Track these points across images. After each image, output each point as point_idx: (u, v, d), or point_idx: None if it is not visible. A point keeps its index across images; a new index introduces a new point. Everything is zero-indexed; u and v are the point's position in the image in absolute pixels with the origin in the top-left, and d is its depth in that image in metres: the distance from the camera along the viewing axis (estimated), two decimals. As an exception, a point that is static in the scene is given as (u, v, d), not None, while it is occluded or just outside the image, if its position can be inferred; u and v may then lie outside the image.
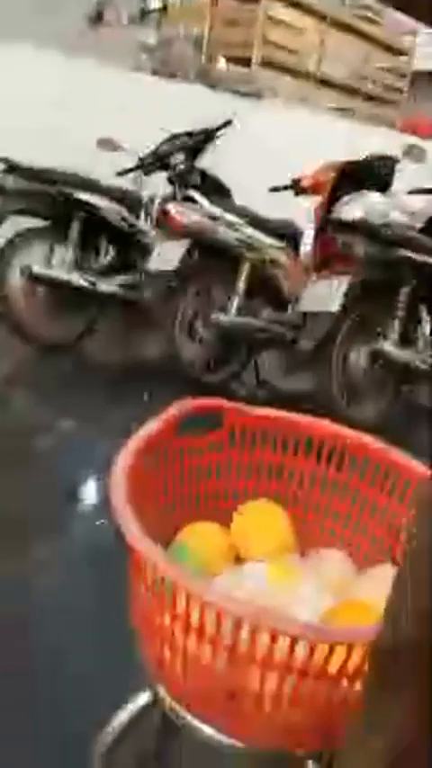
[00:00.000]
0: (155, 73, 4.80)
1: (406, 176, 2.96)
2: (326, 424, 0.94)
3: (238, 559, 0.90)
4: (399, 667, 0.32)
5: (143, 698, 0.79)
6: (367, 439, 0.92)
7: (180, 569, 0.57)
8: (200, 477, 0.94)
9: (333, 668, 0.56)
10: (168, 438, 0.86)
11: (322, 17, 4.82)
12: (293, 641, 0.55)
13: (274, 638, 0.55)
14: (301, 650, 0.55)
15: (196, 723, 0.67)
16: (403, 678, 0.32)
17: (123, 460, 0.72)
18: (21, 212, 2.66)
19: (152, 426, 0.81)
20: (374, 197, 2.77)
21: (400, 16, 5.39)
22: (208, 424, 0.94)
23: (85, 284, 2.74)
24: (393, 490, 0.88)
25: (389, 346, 2.49)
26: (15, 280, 2.67)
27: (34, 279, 2.64)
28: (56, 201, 2.70)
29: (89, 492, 1.97)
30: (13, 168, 2.61)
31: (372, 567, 0.87)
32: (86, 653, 1.31)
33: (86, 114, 3.32)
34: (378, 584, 0.66)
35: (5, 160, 2.61)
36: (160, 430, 0.82)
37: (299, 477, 0.96)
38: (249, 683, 0.59)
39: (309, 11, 4.71)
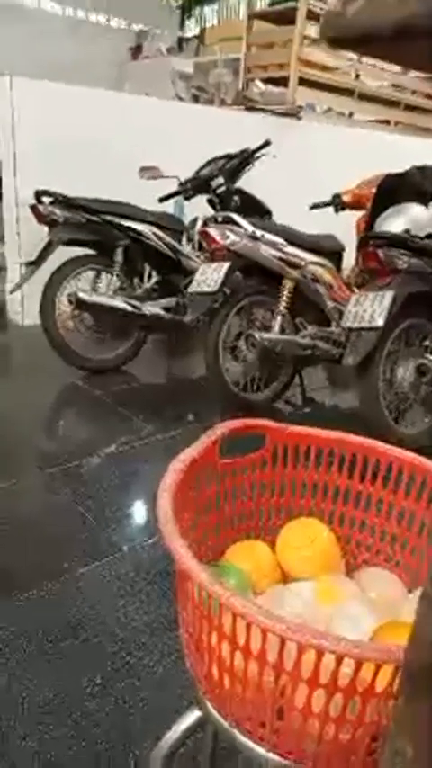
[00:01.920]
0: (194, 99, 4.92)
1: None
2: (369, 442, 0.94)
3: (284, 577, 0.91)
4: (427, 685, 0.32)
5: (193, 716, 0.80)
6: (412, 456, 0.91)
7: (225, 588, 0.58)
8: (245, 496, 0.95)
9: (380, 687, 0.56)
10: (213, 458, 0.88)
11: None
12: (339, 660, 0.55)
13: (319, 657, 0.55)
14: (347, 669, 0.55)
15: (245, 741, 0.67)
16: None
17: (169, 481, 0.74)
18: (68, 242, 2.76)
19: (197, 447, 0.84)
20: (417, 209, 2.75)
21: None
22: (253, 443, 0.96)
23: (130, 308, 2.82)
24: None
25: (436, 359, 2.44)
26: (63, 306, 2.78)
27: (81, 305, 2.73)
28: (100, 230, 2.79)
29: (137, 512, 2.00)
30: (58, 200, 2.73)
31: (420, 585, 0.86)
32: (139, 671, 1.33)
33: (128, 143, 3.44)
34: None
35: (51, 193, 2.73)
36: (205, 450, 0.84)
37: (343, 495, 0.96)
38: (296, 701, 0.60)
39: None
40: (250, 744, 0.66)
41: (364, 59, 5.05)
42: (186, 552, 0.63)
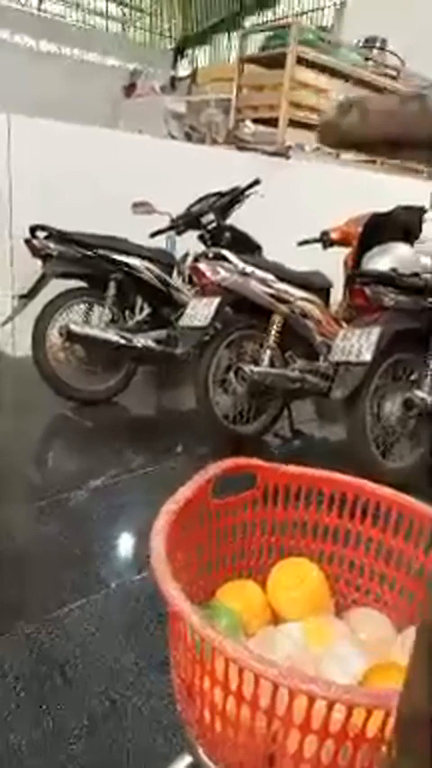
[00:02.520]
0: (187, 137, 5.05)
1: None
2: (359, 481, 0.96)
3: (274, 617, 0.91)
4: (421, 737, 0.33)
5: (184, 762, 0.79)
6: (401, 496, 0.93)
7: (218, 633, 0.59)
8: (236, 535, 0.96)
9: (371, 733, 0.57)
10: (205, 498, 0.89)
11: (345, 77, 5.03)
12: (331, 705, 0.56)
13: (311, 702, 0.56)
14: (338, 714, 0.56)
15: (236, 787, 0.67)
16: (425, 748, 0.32)
17: (162, 522, 0.75)
18: (61, 275, 2.79)
19: (190, 487, 0.85)
20: (403, 248, 2.83)
21: (416, 71, 5.58)
22: (242, 480, 0.97)
23: (122, 340, 2.84)
24: (431, 547, 0.89)
25: (423, 393, 2.48)
26: (55, 338, 2.79)
27: (72, 336, 2.75)
28: (93, 263, 2.83)
29: (126, 547, 1.99)
30: (52, 234, 2.77)
31: (410, 625, 0.87)
32: (130, 712, 1.31)
33: (122, 180, 3.51)
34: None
35: (45, 227, 2.77)
36: (198, 490, 0.86)
37: (332, 535, 0.97)
38: (288, 746, 0.60)
39: (332, 72, 4.91)
40: (242, 790, 0.66)
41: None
42: (179, 595, 0.64)
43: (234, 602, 0.87)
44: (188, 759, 0.78)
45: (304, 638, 0.80)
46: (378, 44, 5.53)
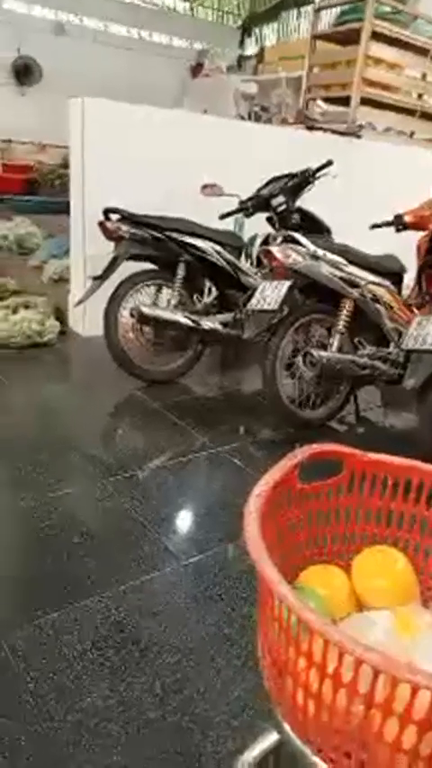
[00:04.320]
0: (256, 118, 4.98)
1: None
2: (447, 472, 0.93)
3: (358, 602, 0.91)
4: None
5: (271, 737, 0.80)
6: None
7: (320, 617, 0.59)
8: (319, 520, 0.96)
9: None
10: (293, 482, 0.89)
11: (423, 51, 4.81)
12: (435, 696, 0.55)
13: (414, 692, 0.56)
14: (442, 706, 0.55)
15: (325, 768, 0.68)
16: None
17: (256, 503, 0.76)
18: (132, 257, 2.83)
19: (278, 470, 0.85)
20: None
21: None
22: (327, 466, 0.96)
23: (190, 323, 2.86)
24: None
25: None
26: (125, 319, 2.85)
27: (142, 318, 2.79)
28: (163, 246, 2.86)
29: (195, 524, 2.02)
30: (125, 217, 2.81)
31: None
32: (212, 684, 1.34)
33: (191, 161, 3.51)
34: None
35: (118, 210, 2.81)
36: (286, 474, 0.86)
37: (420, 524, 0.95)
38: (386, 734, 0.60)
39: (408, 47, 4.72)
40: (332, 771, 0.66)
41: (429, 78, 5.02)
42: (278, 576, 0.64)
43: (319, 587, 0.87)
44: (274, 736, 0.79)
45: (393, 627, 0.79)
46: (459, 15, 5.24)
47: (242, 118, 5.06)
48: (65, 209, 3.76)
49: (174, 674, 1.37)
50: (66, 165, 5.58)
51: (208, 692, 1.32)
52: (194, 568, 1.74)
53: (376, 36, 4.41)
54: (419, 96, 5.06)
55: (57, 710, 1.25)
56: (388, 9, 4.60)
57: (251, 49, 11.15)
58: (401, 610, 0.84)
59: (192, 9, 11.27)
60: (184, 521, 2.03)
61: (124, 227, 2.77)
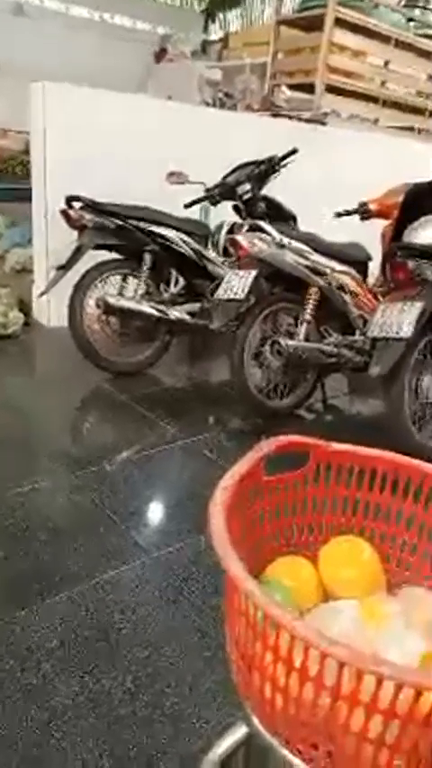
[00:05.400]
0: (220, 104, 4.93)
1: None
2: (412, 461, 0.94)
3: (325, 593, 0.91)
4: None
5: (240, 731, 0.80)
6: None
7: (286, 612, 0.59)
8: (286, 512, 0.96)
9: (438, 715, 0.56)
10: (258, 475, 0.88)
11: (385, 39, 4.83)
12: (399, 687, 0.55)
13: (379, 683, 0.56)
14: (406, 696, 0.56)
15: (294, 760, 0.68)
16: None
17: (221, 497, 0.75)
18: (97, 247, 2.78)
19: (244, 464, 0.84)
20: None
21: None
22: (293, 457, 0.96)
23: (157, 313, 2.83)
24: None
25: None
26: (91, 310, 2.80)
27: (109, 308, 2.76)
28: (129, 235, 2.81)
29: (163, 516, 2.01)
30: (88, 205, 2.76)
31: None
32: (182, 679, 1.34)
33: (155, 148, 3.45)
34: None
35: (81, 198, 2.75)
36: (251, 467, 0.85)
37: (385, 513, 0.96)
38: (352, 725, 0.60)
39: (372, 34, 4.73)
40: (301, 765, 0.67)
41: (391, 66, 5.04)
42: (243, 572, 0.63)
43: (286, 579, 0.87)
44: (243, 730, 0.79)
45: (359, 617, 0.80)
46: (421, 3, 5.28)
47: (207, 104, 5.01)
48: (28, 196, 3.68)
49: (144, 668, 1.36)
50: (28, 152, 5.44)
51: (179, 685, 1.32)
52: (164, 561, 1.74)
53: (340, 23, 4.41)
54: (382, 83, 5.09)
55: (24, 710, 1.23)
56: (351, -5, 4.60)
57: (215, 34, 11.01)
58: (368, 599, 0.84)
59: (154, -9, 11.04)
60: (154, 513, 2.02)
61: (87, 216, 2.72)
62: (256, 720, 0.72)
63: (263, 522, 0.93)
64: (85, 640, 1.42)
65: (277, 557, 0.95)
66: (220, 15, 11.23)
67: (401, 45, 4.90)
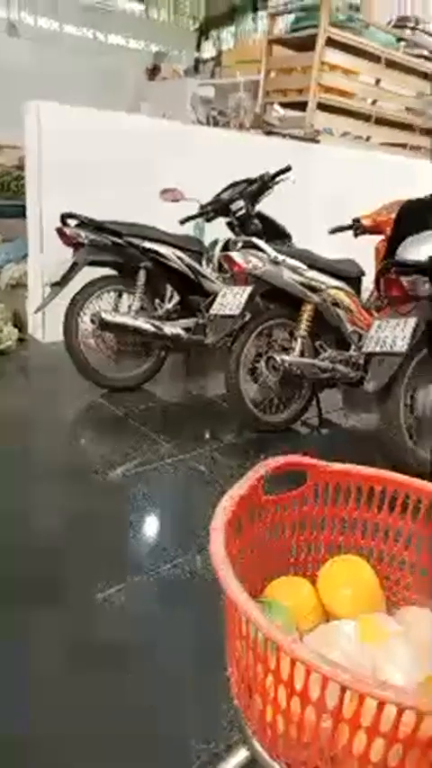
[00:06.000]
0: (214, 122, 4.99)
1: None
2: (410, 479, 0.95)
3: (325, 613, 0.91)
4: None
5: (241, 755, 0.80)
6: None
7: (286, 636, 0.59)
8: (285, 532, 0.96)
9: (440, 738, 0.56)
10: (257, 495, 0.89)
11: (376, 58, 4.91)
12: (401, 710, 0.56)
13: (381, 706, 0.56)
14: (409, 719, 0.56)
15: (296, 784, 0.68)
16: None
17: (221, 519, 0.75)
18: (92, 263, 2.80)
19: (243, 485, 0.85)
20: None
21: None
22: (290, 475, 0.97)
23: (152, 328, 2.84)
24: None
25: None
26: (86, 326, 2.81)
27: (104, 324, 2.76)
28: (123, 251, 2.83)
29: (157, 534, 2.01)
30: (83, 222, 2.77)
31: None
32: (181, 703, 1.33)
33: (150, 166, 3.49)
34: None
35: (76, 215, 2.77)
36: (250, 488, 0.86)
37: (383, 532, 0.97)
38: (354, 748, 0.60)
39: (362, 54, 4.80)
40: (302, 788, 0.66)
41: (382, 84, 5.12)
42: (244, 596, 0.64)
43: (286, 599, 0.87)
44: (244, 753, 0.78)
45: (359, 636, 0.80)
46: (411, 24, 5.38)
47: (200, 122, 5.06)
48: (22, 212, 3.70)
49: (141, 689, 1.35)
50: (22, 167, 5.48)
51: (178, 707, 1.31)
52: (161, 579, 1.73)
53: (331, 42, 4.48)
54: (374, 102, 5.16)
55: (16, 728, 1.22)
56: (342, 17, 4.68)
57: (209, 52, 11.16)
58: (367, 618, 0.85)
59: (146, 10, 11.20)
60: (150, 530, 2.02)
61: (83, 233, 2.73)
62: (257, 743, 0.71)
63: (262, 541, 0.93)
64: (82, 660, 1.41)
65: (277, 576, 0.95)
66: (214, 34, 11.40)
67: (392, 64, 4.99)
